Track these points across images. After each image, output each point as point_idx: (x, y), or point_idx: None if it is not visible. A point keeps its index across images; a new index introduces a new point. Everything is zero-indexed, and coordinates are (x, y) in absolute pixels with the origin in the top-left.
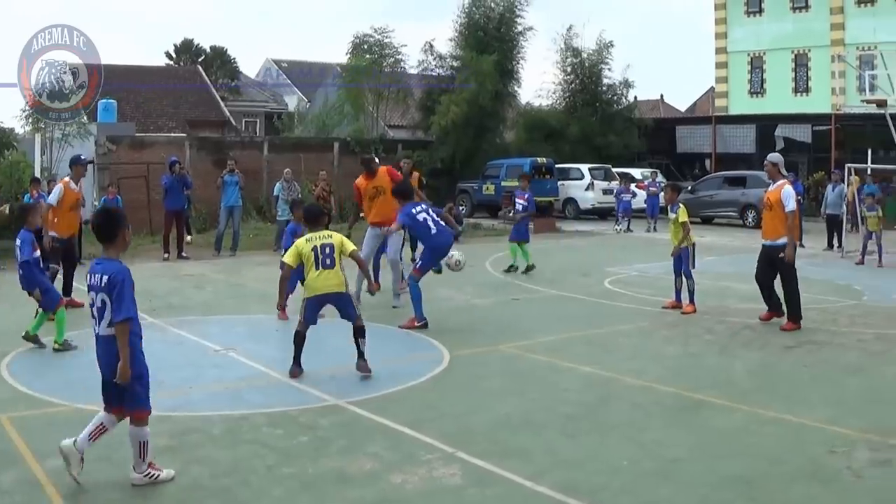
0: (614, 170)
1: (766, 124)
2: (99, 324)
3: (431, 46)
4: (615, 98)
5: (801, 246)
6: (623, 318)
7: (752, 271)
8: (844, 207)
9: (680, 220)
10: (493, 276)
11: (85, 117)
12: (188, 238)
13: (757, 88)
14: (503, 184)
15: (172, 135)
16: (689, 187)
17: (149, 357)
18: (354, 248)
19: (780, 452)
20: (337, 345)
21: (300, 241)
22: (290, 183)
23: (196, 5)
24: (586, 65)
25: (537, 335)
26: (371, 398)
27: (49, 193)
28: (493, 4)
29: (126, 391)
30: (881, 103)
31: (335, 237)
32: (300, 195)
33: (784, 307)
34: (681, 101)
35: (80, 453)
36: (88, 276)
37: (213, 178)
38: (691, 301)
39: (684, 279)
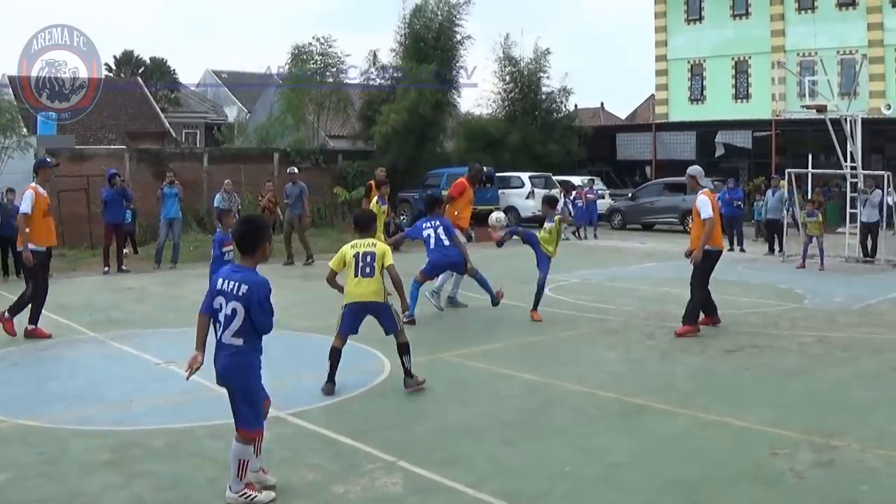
0: (554, 178)
1: (706, 131)
2: (224, 331)
3: (375, 55)
4: (555, 106)
5: (730, 249)
6: (564, 325)
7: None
8: (785, 212)
9: (555, 229)
10: (434, 284)
11: (25, 129)
12: (126, 251)
13: (697, 95)
14: (444, 192)
15: (112, 147)
16: (630, 194)
17: (89, 371)
18: (392, 263)
19: (722, 455)
20: (277, 357)
21: (346, 247)
22: (230, 194)
23: (136, 16)
24: (525, 73)
25: (478, 343)
26: (313, 409)
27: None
28: (432, 14)
29: (236, 406)
30: (821, 109)
31: (379, 247)
32: (240, 206)
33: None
34: (621, 109)
35: (257, 471)
36: (221, 281)
37: (154, 191)
38: (535, 308)
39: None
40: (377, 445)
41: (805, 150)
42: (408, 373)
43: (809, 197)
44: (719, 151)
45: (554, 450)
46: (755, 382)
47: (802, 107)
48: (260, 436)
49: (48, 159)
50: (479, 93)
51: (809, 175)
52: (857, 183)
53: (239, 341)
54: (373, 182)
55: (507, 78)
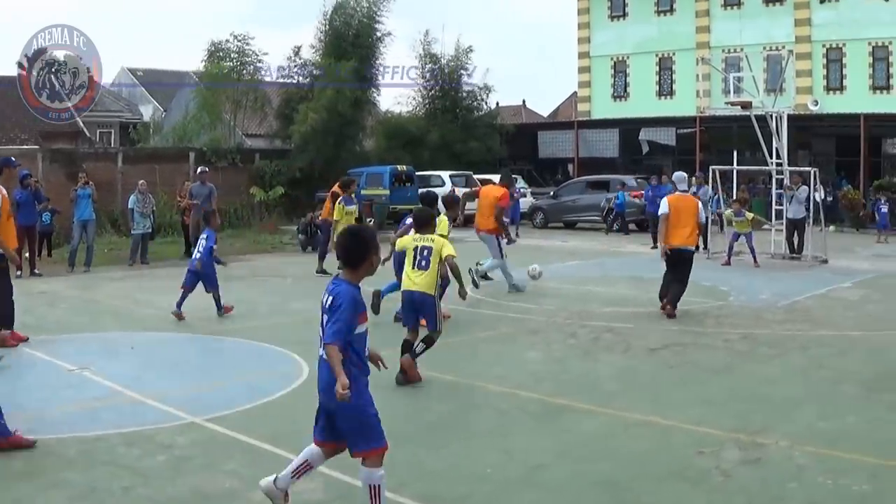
0: (475, 176)
1: (629, 128)
2: (321, 346)
3: (297, 52)
4: (476, 104)
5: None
6: (485, 325)
7: (616, 275)
8: (709, 209)
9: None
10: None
11: None
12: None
13: (620, 92)
14: (363, 192)
15: (24, 147)
16: (552, 192)
17: (2, 379)
18: (452, 253)
19: (647, 455)
20: (193, 361)
21: (407, 239)
22: (144, 195)
23: (49, 13)
24: (445, 70)
25: (398, 344)
26: (229, 414)
27: None
28: (352, 11)
29: (352, 428)
30: (746, 105)
31: (437, 242)
32: (155, 207)
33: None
34: (543, 107)
35: (283, 491)
36: (325, 295)
37: (67, 191)
38: None
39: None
40: (296, 450)
41: (730, 147)
42: (413, 354)
43: (734, 195)
44: (644, 149)
45: (475, 452)
46: (680, 380)
47: (727, 103)
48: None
49: (12, 158)
50: (399, 91)
51: (735, 172)
52: (783, 179)
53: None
54: (337, 186)
55: (427, 75)
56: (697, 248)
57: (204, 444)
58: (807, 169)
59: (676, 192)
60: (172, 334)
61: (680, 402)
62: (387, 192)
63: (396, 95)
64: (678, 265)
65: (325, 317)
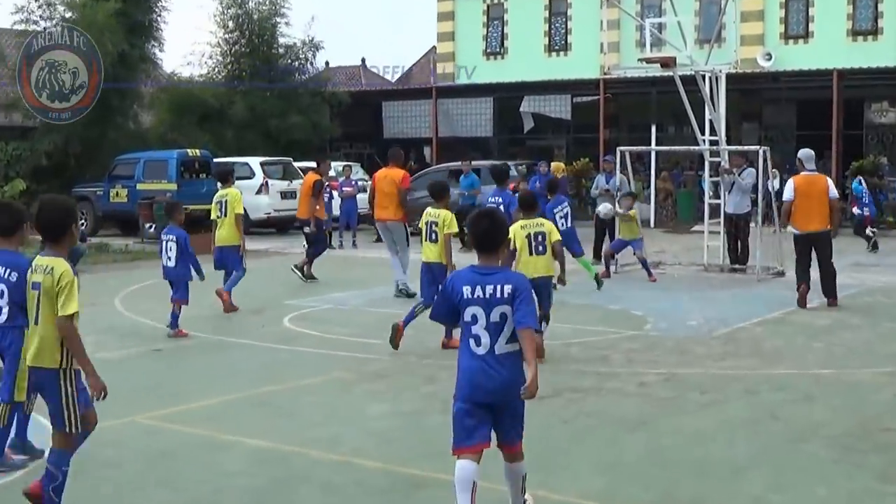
0: (297, 164)
1: (507, 96)
2: (496, 341)
3: None
4: (298, 64)
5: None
6: (310, 368)
7: None
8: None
9: None
10: (127, 318)
11: None
12: None
13: (495, 48)
14: (140, 187)
15: None
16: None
17: None
18: (559, 238)
19: None
20: None
21: (516, 227)
22: None
23: None
24: (255, 18)
25: (189, 399)
26: None
27: None
28: None
29: (515, 422)
30: (668, 62)
31: (547, 225)
32: None
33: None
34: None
35: None
36: (468, 289)
37: None
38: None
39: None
40: None
41: (646, 121)
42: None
43: (652, 185)
44: (528, 124)
45: None
46: (578, 439)
47: (642, 60)
48: None
49: None
50: (189, 46)
51: (653, 154)
52: (719, 163)
53: (515, 347)
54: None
55: (230, 24)
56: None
57: None
58: (753, 148)
59: (804, 173)
60: None
61: (577, 467)
62: (174, 186)
63: (186, 53)
64: (818, 249)
65: (500, 308)
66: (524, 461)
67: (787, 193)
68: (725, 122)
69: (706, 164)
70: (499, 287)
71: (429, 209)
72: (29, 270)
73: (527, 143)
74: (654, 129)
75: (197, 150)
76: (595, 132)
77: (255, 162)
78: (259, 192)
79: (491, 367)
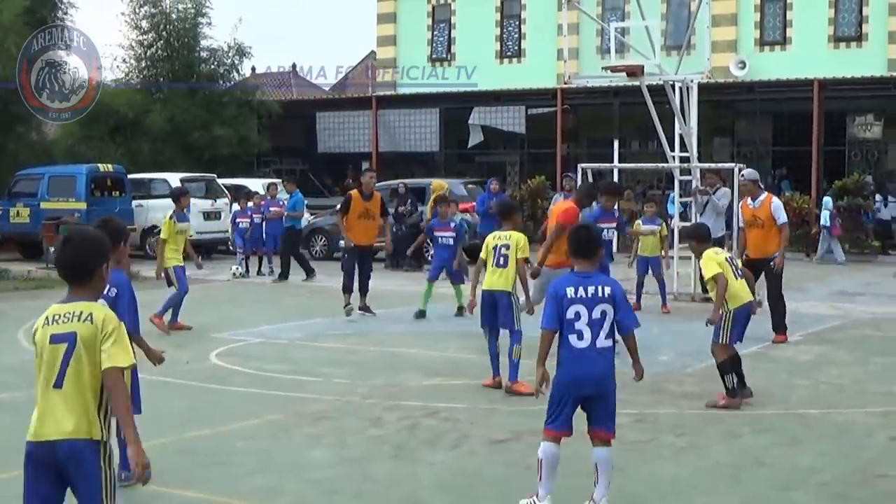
0: (222, 181)
1: (454, 107)
2: (596, 337)
3: None
4: (223, 71)
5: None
6: (242, 409)
7: (439, 329)
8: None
9: None
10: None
11: None
12: None
13: (441, 53)
14: (44, 206)
15: None
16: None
17: None
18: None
19: None
20: None
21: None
22: None
23: None
24: (174, 19)
25: None
26: None
27: None
28: None
29: (608, 408)
30: (635, 71)
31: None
32: None
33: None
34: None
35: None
36: (571, 290)
37: None
38: None
39: None
40: None
41: (608, 135)
42: None
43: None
44: (476, 138)
45: None
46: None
47: (605, 69)
48: None
49: None
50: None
51: (615, 172)
52: (691, 181)
53: (610, 342)
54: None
55: (146, 26)
56: None
57: None
58: (728, 165)
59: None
60: None
61: None
62: (83, 205)
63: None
64: (766, 277)
65: (602, 306)
66: (612, 449)
67: (783, 215)
68: (696, 137)
69: (675, 182)
70: (599, 287)
71: (499, 232)
72: (41, 322)
73: (476, 160)
74: (615, 144)
75: (109, 165)
76: (552, 147)
77: (174, 178)
78: None
79: (590, 362)
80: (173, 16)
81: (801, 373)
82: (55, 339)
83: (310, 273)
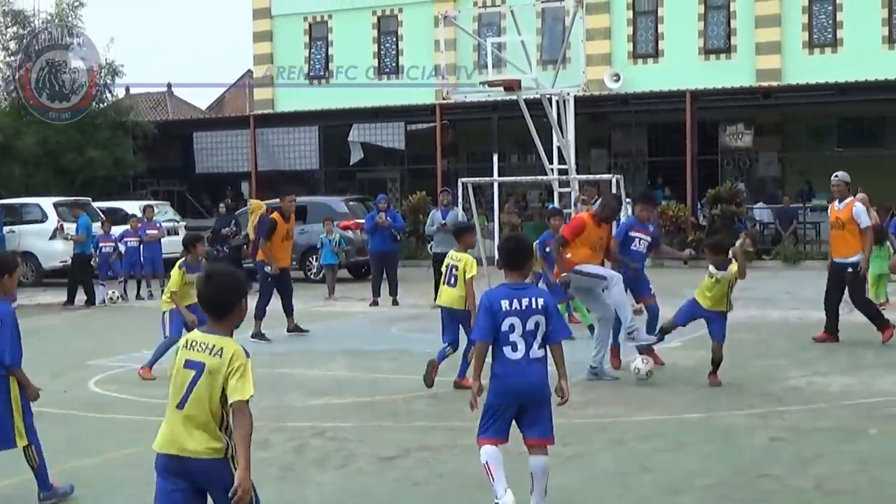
0: (97, 204)
1: (335, 125)
2: (530, 347)
3: None
4: (96, 92)
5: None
6: (125, 438)
7: (325, 348)
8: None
9: None
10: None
11: None
12: None
13: (319, 71)
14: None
15: None
16: (214, 227)
17: None
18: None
19: None
20: None
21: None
22: None
23: None
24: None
25: None
26: None
27: None
28: None
29: (544, 416)
30: (512, 85)
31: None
32: None
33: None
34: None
35: None
36: (505, 302)
37: None
38: None
39: None
40: None
41: (487, 149)
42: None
43: (496, 218)
44: (356, 155)
45: None
46: (433, 503)
47: (483, 84)
48: None
49: None
50: None
51: (496, 186)
52: (570, 193)
53: (543, 352)
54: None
55: (13, 45)
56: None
57: None
58: (606, 176)
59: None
60: None
61: None
62: None
63: None
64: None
65: (535, 318)
66: (548, 457)
67: (867, 219)
68: (574, 149)
69: (555, 194)
70: (532, 300)
71: (452, 252)
72: (182, 343)
73: (357, 177)
74: (495, 158)
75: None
76: (432, 162)
77: (47, 203)
78: (53, 237)
79: (522, 371)
80: (42, 36)
81: (682, 378)
82: (188, 364)
83: (91, 301)
